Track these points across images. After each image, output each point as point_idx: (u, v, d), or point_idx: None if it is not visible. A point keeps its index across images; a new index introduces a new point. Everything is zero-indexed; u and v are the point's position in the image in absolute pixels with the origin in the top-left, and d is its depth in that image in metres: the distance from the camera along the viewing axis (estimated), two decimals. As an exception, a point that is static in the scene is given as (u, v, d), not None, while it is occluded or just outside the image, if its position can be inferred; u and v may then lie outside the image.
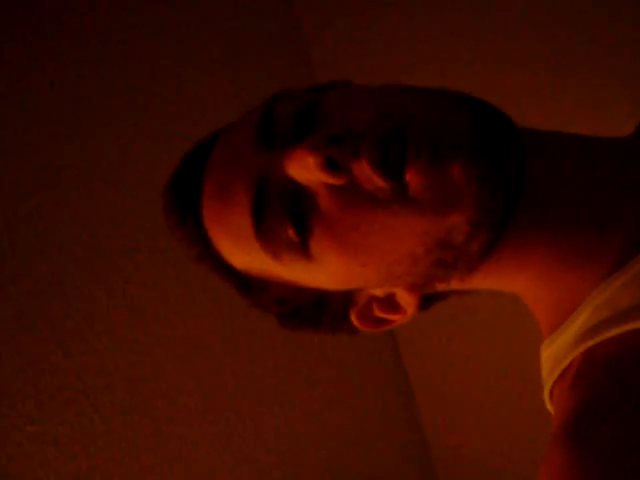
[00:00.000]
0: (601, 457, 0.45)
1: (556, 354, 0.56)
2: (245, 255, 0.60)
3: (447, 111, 0.55)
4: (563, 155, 0.56)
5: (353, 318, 0.63)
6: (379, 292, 0.62)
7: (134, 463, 1.21)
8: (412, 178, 0.52)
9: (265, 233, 0.57)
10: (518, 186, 0.53)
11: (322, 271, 0.58)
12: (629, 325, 0.50)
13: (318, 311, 0.64)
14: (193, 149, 0.65)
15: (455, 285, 0.60)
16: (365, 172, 0.53)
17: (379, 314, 0.63)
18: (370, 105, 0.56)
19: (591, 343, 0.52)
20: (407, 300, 0.61)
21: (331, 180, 0.54)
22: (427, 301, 0.63)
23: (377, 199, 0.53)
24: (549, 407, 0.58)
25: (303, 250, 0.56)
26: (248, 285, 0.63)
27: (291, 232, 0.55)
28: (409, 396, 1.76)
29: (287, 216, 0.55)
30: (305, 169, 0.54)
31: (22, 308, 1.13)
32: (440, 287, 0.60)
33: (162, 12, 1.43)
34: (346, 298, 0.62)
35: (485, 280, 0.59)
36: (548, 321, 0.58)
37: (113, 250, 1.25)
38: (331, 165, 0.53)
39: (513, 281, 0.59)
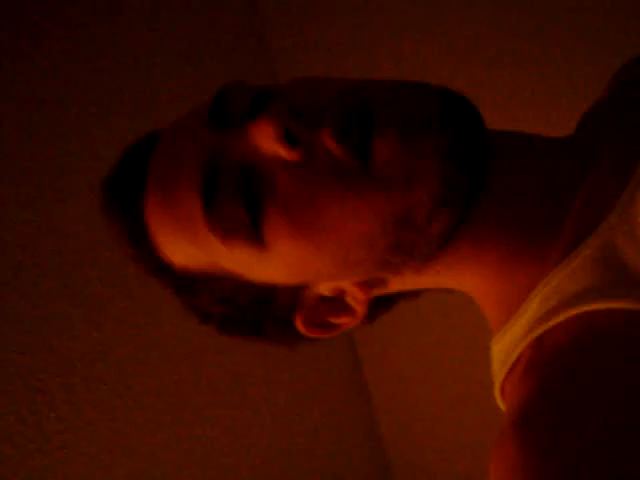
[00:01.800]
0: (552, 448, 0.44)
1: (506, 348, 0.55)
2: (189, 246, 0.57)
3: (415, 92, 0.54)
4: (521, 154, 0.57)
5: (298, 323, 0.60)
6: (327, 290, 0.59)
7: (91, 462, 1.19)
8: (380, 152, 0.50)
9: (215, 214, 0.54)
10: (483, 171, 0.53)
11: (273, 259, 0.55)
12: (575, 309, 0.50)
13: (261, 311, 0.60)
14: (134, 142, 0.62)
15: (407, 281, 0.59)
16: (325, 145, 0.51)
17: (327, 317, 0.60)
18: (333, 85, 0.55)
19: (539, 332, 0.52)
20: (357, 298, 0.59)
21: (287, 153, 0.52)
22: (376, 306, 0.62)
23: (336, 173, 0.52)
24: (500, 403, 0.57)
25: (255, 234, 0.54)
26: (187, 285, 0.60)
27: (243, 213, 0.53)
28: (366, 399, 1.77)
29: (240, 196, 0.53)
30: (262, 140, 0.52)
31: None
32: (392, 283, 0.59)
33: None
34: (292, 298, 0.59)
35: (437, 276, 0.58)
36: (498, 317, 0.57)
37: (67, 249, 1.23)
38: (289, 139, 0.51)
39: (465, 278, 0.58)
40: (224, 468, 1.41)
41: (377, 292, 0.60)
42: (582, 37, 1.28)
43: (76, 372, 1.19)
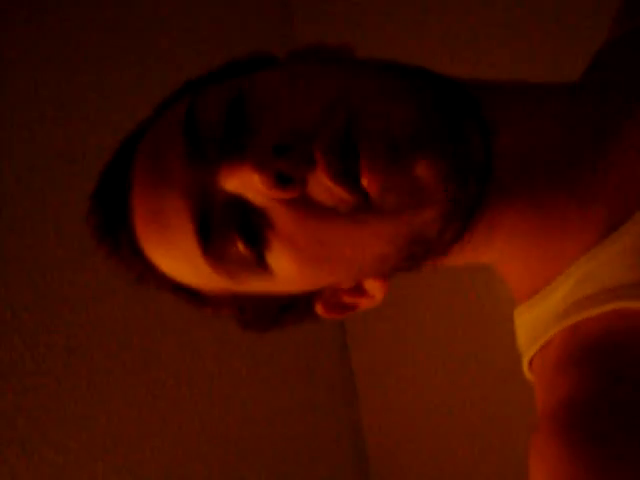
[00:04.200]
0: (601, 451, 0.43)
1: (535, 323, 0.54)
2: (195, 277, 0.56)
3: (396, 97, 0.50)
4: (525, 115, 0.53)
5: (319, 309, 0.60)
6: (346, 284, 0.58)
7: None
8: (370, 184, 0.47)
9: (215, 256, 0.52)
10: (487, 166, 0.50)
11: (282, 280, 0.53)
12: (614, 303, 0.48)
13: (283, 311, 0.60)
14: (111, 162, 0.59)
15: (427, 266, 0.57)
16: (323, 183, 0.48)
17: (346, 300, 0.60)
18: (311, 99, 0.50)
19: (577, 319, 0.50)
20: (376, 287, 0.59)
21: (284, 195, 0.49)
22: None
23: (339, 209, 0.49)
24: (529, 376, 0.56)
25: (260, 265, 0.52)
26: (202, 299, 0.59)
27: (244, 249, 0.51)
28: (352, 394, 1.75)
29: (237, 233, 0.50)
30: (249, 185, 0.49)
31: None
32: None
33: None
34: (311, 294, 0.59)
35: (459, 257, 0.57)
36: (524, 287, 0.56)
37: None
38: (282, 180, 0.47)
39: (488, 252, 0.56)
40: (202, 454, 1.37)
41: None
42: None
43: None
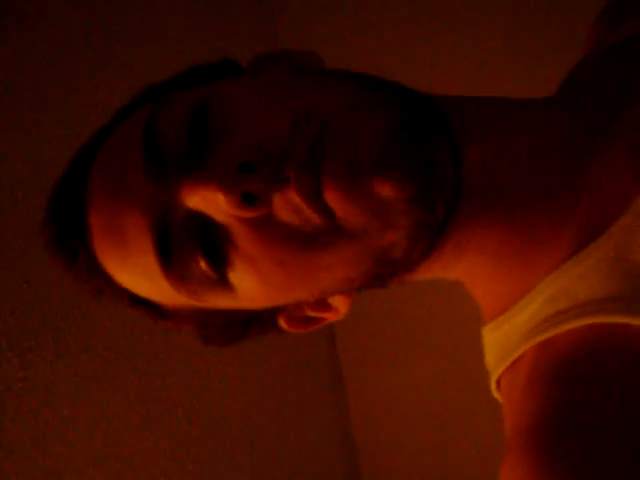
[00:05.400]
0: (571, 474, 0.42)
1: (503, 340, 0.53)
2: (155, 293, 0.54)
3: (365, 114, 0.48)
4: (496, 129, 0.52)
5: (282, 323, 0.59)
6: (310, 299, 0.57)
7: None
8: (333, 203, 0.46)
9: (176, 273, 0.50)
10: (456, 184, 0.48)
11: (245, 297, 0.52)
12: (592, 318, 0.46)
13: (244, 326, 0.59)
14: (68, 172, 0.57)
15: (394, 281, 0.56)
16: (291, 202, 0.46)
17: (310, 314, 0.59)
18: (278, 115, 0.48)
19: (548, 335, 0.48)
20: (340, 302, 0.58)
21: (248, 215, 0.47)
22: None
23: (305, 231, 0.47)
24: (496, 395, 0.55)
25: (222, 283, 0.50)
26: (161, 313, 0.57)
27: (205, 266, 0.49)
28: (340, 390, 1.75)
29: (198, 250, 0.49)
30: (212, 203, 0.47)
31: None
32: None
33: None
34: (275, 308, 0.57)
35: (426, 273, 0.55)
36: (492, 304, 0.54)
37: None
38: (247, 199, 0.46)
39: (456, 269, 0.55)
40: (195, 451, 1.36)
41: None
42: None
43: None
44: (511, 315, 0.52)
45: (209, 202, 0.47)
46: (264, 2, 1.64)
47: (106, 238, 0.52)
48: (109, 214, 0.51)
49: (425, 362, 1.65)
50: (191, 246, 0.49)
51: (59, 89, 1.16)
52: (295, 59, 0.58)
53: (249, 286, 0.50)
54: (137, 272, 0.52)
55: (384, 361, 1.71)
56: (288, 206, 0.47)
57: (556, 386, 0.46)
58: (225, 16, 1.54)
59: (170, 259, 0.50)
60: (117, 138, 0.54)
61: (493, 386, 0.55)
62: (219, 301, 0.53)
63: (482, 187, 0.50)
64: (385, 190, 0.46)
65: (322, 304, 0.57)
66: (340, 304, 0.58)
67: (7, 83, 1.07)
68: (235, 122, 0.49)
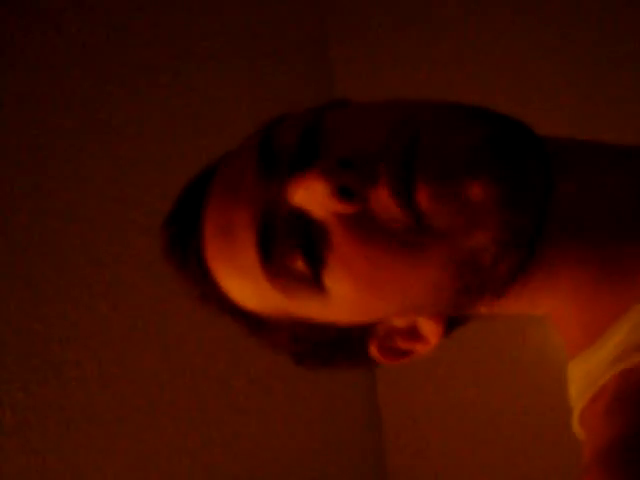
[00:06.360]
0: None
1: (589, 374, 0.53)
2: (254, 294, 0.57)
3: (460, 124, 0.51)
4: (593, 167, 0.54)
5: (373, 350, 0.60)
6: (400, 323, 0.59)
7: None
8: (423, 201, 0.48)
9: (274, 269, 0.53)
10: (545, 202, 0.50)
11: (337, 304, 0.54)
12: None
13: (336, 347, 0.60)
14: (190, 183, 0.61)
15: (482, 310, 0.57)
16: (382, 200, 0.50)
17: (401, 345, 0.59)
18: (378, 122, 0.53)
19: (627, 365, 0.49)
20: (431, 329, 0.58)
21: (345, 209, 0.50)
22: (451, 326, 0.60)
23: (394, 231, 0.50)
24: (577, 431, 0.55)
25: (316, 284, 0.53)
26: (259, 324, 0.60)
27: (302, 265, 0.52)
28: (378, 433, 1.74)
29: (297, 249, 0.52)
30: (314, 197, 0.51)
31: None
32: (466, 312, 0.58)
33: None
34: (365, 331, 0.59)
35: (515, 304, 0.56)
36: (578, 339, 0.55)
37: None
38: (344, 192, 0.50)
39: (543, 303, 0.57)
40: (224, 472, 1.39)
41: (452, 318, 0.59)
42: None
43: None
44: (597, 348, 0.53)
45: (311, 195, 0.50)
46: (319, 44, 1.69)
47: (216, 238, 0.56)
48: (221, 212, 0.55)
49: (465, 408, 1.63)
50: (291, 242, 0.52)
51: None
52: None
53: (342, 290, 0.53)
54: (240, 273, 0.55)
55: (424, 404, 1.70)
56: (381, 204, 0.50)
57: (631, 414, 0.47)
58: (281, 60, 1.60)
59: (270, 253, 0.53)
60: (237, 153, 0.58)
61: (575, 420, 0.55)
62: (312, 306, 0.55)
63: (573, 219, 0.52)
64: (474, 190, 0.48)
65: (412, 333, 0.59)
66: (430, 332, 0.58)
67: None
68: (342, 131, 0.53)
